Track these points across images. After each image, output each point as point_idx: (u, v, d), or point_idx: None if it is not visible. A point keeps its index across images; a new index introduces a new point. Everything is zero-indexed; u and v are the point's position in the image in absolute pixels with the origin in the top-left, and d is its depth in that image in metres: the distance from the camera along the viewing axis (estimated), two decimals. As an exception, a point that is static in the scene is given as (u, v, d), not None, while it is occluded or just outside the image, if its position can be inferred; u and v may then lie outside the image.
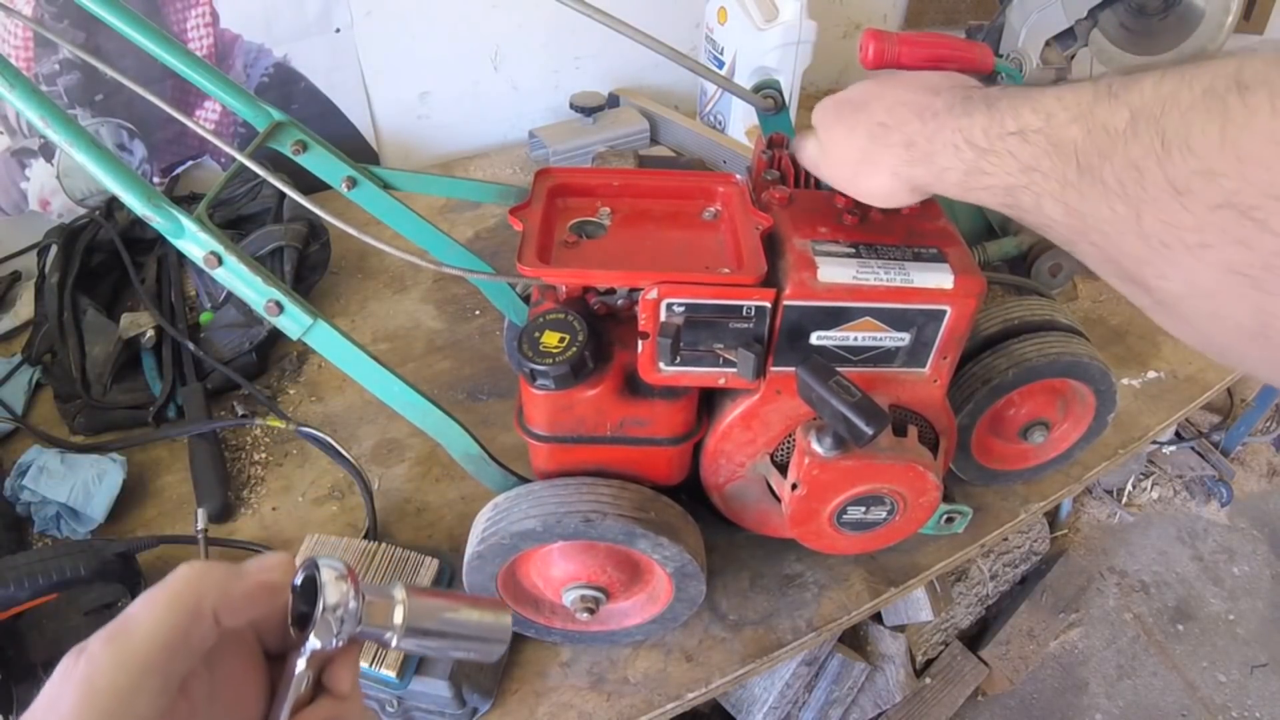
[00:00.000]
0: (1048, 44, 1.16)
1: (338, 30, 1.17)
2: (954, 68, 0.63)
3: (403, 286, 1.07)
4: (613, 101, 1.35)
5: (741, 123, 1.31)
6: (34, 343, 0.91)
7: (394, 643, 0.35)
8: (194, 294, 1.01)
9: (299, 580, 0.35)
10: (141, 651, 0.30)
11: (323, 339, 0.55)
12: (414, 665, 0.60)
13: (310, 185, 0.65)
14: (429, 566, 0.64)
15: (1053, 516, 1.89)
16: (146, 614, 0.30)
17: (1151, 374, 0.98)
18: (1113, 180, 0.32)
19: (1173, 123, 0.29)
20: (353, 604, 0.33)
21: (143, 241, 1.03)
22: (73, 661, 0.30)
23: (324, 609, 0.33)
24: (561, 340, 0.55)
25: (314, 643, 0.33)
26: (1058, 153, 0.35)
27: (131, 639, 0.30)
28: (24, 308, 0.99)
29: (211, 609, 0.31)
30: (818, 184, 0.62)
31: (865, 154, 0.49)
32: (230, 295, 0.94)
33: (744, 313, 0.54)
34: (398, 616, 0.35)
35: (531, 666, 0.67)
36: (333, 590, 0.33)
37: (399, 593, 0.35)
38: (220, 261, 0.52)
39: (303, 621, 0.34)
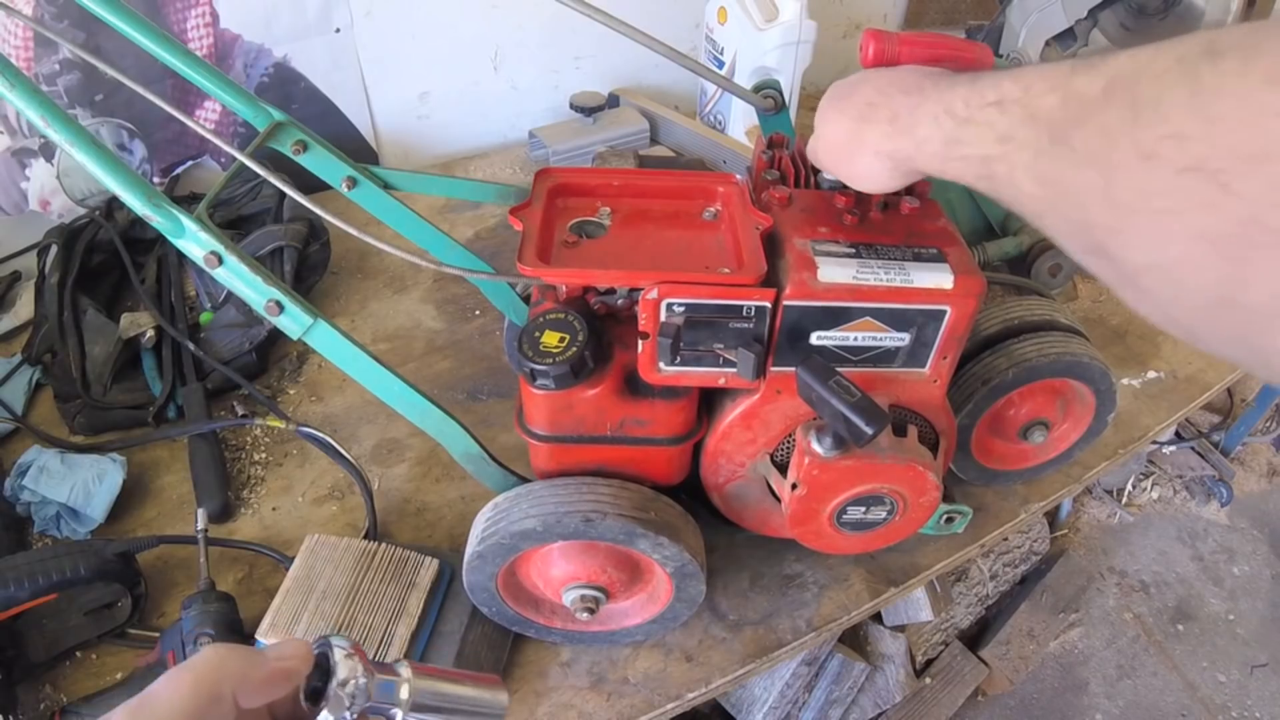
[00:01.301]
0: (1048, 44, 1.16)
1: (338, 30, 1.17)
2: (954, 68, 0.63)
3: (403, 286, 1.07)
4: (613, 101, 1.35)
5: (741, 123, 1.31)
6: (34, 343, 0.91)
7: (399, 717, 0.37)
8: (194, 294, 1.01)
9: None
10: None
11: (323, 339, 0.55)
12: (414, 665, 0.60)
13: (310, 185, 0.65)
14: (429, 567, 0.64)
15: (1053, 516, 1.89)
16: (169, 693, 0.32)
17: (1151, 374, 0.98)
18: (1083, 147, 0.32)
19: (1144, 89, 0.29)
20: (362, 680, 0.36)
21: (143, 241, 1.03)
22: None
23: (336, 685, 0.35)
24: (561, 340, 0.55)
25: (325, 717, 0.35)
26: (1033, 122, 0.35)
27: (154, 717, 0.32)
28: (24, 308, 0.99)
29: (231, 692, 0.33)
30: (817, 184, 0.62)
31: (853, 134, 0.50)
32: (230, 295, 0.94)
33: (744, 313, 0.54)
34: (404, 693, 0.37)
35: (531, 666, 0.67)
36: (344, 668, 0.36)
37: (404, 670, 0.38)
38: (220, 261, 0.52)
39: (315, 696, 0.36)
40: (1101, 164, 0.31)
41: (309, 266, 1.01)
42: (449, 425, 0.60)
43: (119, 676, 0.65)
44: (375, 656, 0.58)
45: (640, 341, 0.55)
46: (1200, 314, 0.29)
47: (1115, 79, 0.31)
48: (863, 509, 0.59)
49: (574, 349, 0.54)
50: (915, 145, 0.44)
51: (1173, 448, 2.05)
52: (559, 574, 0.62)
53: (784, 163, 0.63)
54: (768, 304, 0.53)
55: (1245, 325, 0.28)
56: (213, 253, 0.52)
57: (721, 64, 1.29)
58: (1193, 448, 2.05)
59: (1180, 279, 0.29)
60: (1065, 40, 1.17)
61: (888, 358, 0.57)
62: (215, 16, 1.08)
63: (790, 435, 0.61)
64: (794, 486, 0.57)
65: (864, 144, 0.49)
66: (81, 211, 1.06)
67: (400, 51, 1.23)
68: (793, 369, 0.55)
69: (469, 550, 0.60)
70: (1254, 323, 0.28)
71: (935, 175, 0.45)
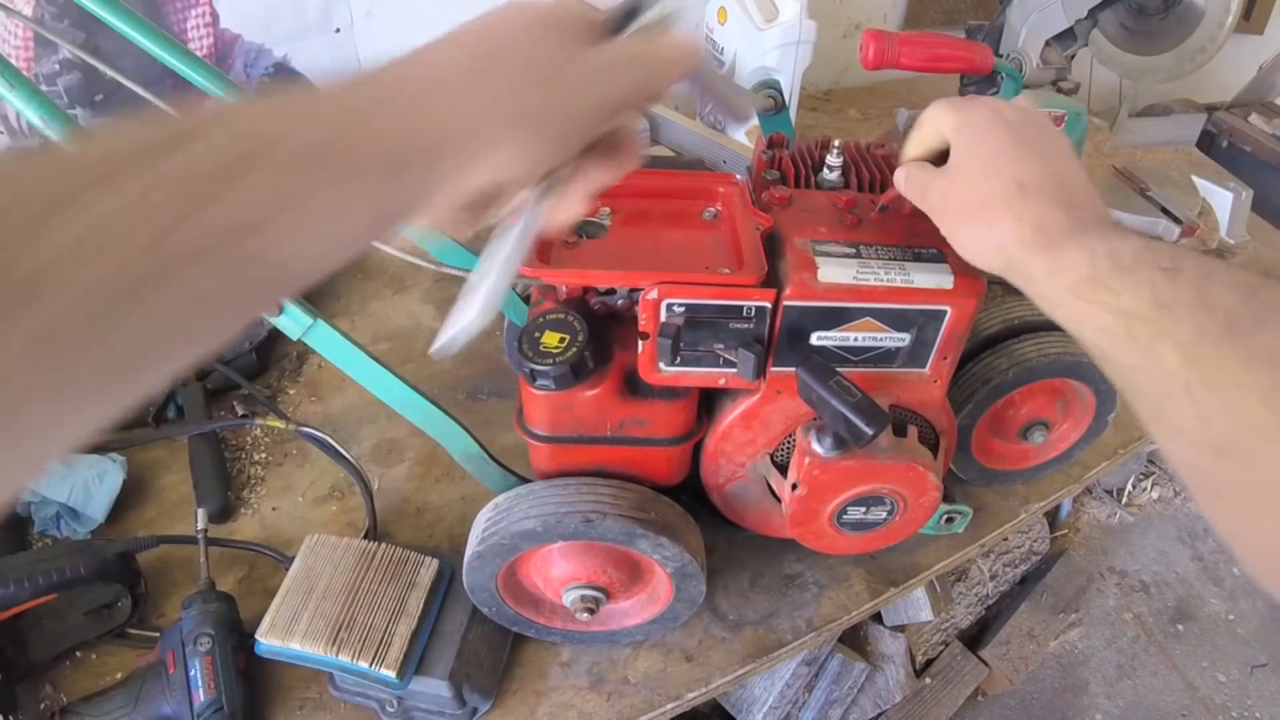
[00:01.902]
0: (1048, 44, 1.16)
1: (338, 30, 1.17)
2: (953, 68, 0.63)
3: (403, 286, 1.07)
4: (613, 101, 1.34)
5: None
6: (34, 343, 0.91)
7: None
8: (194, 294, 1.01)
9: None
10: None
11: (322, 339, 0.55)
12: (414, 665, 0.60)
13: (310, 185, 0.65)
14: (429, 567, 0.64)
15: (1053, 516, 1.88)
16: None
17: (1151, 374, 0.98)
18: (1261, 347, 0.30)
19: None
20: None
21: (143, 241, 1.03)
22: None
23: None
24: (561, 340, 0.55)
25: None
26: (1205, 306, 0.33)
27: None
28: (24, 308, 0.99)
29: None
30: (818, 184, 0.62)
31: (985, 207, 0.44)
32: (230, 295, 0.94)
33: (744, 313, 0.54)
34: None
35: (531, 666, 0.67)
36: None
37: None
38: (220, 261, 0.52)
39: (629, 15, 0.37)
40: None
41: (309, 266, 1.00)
42: (449, 425, 0.60)
43: (119, 676, 0.65)
44: (375, 657, 0.58)
45: (640, 342, 0.55)
46: None
47: None
48: (863, 509, 0.59)
49: (574, 349, 0.54)
50: (1047, 263, 0.41)
51: (1173, 448, 2.05)
52: (559, 574, 0.62)
53: (784, 163, 0.63)
54: (768, 304, 0.53)
55: None
56: (213, 253, 0.52)
57: (722, 64, 1.28)
58: (1193, 448, 2.04)
59: None
60: (1065, 40, 1.16)
61: (888, 358, 0.57)
62: (215, 16, 1.08)
63: (790, 435, 0.61)
64: (794, 487, 0.57)
65: (990, 223, 0.44)
66: (81, 211, 1.05)
67: (400, 51, 1.23)
68: (793, 369, 0.55)
69: (469, 551, 0.60)
70: None
71: (1042, 301, 0.42)
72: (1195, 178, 1.23)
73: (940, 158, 0.49)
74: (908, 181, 0.51)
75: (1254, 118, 1.58)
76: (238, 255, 0.23)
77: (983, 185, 0.45)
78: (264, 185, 0.24)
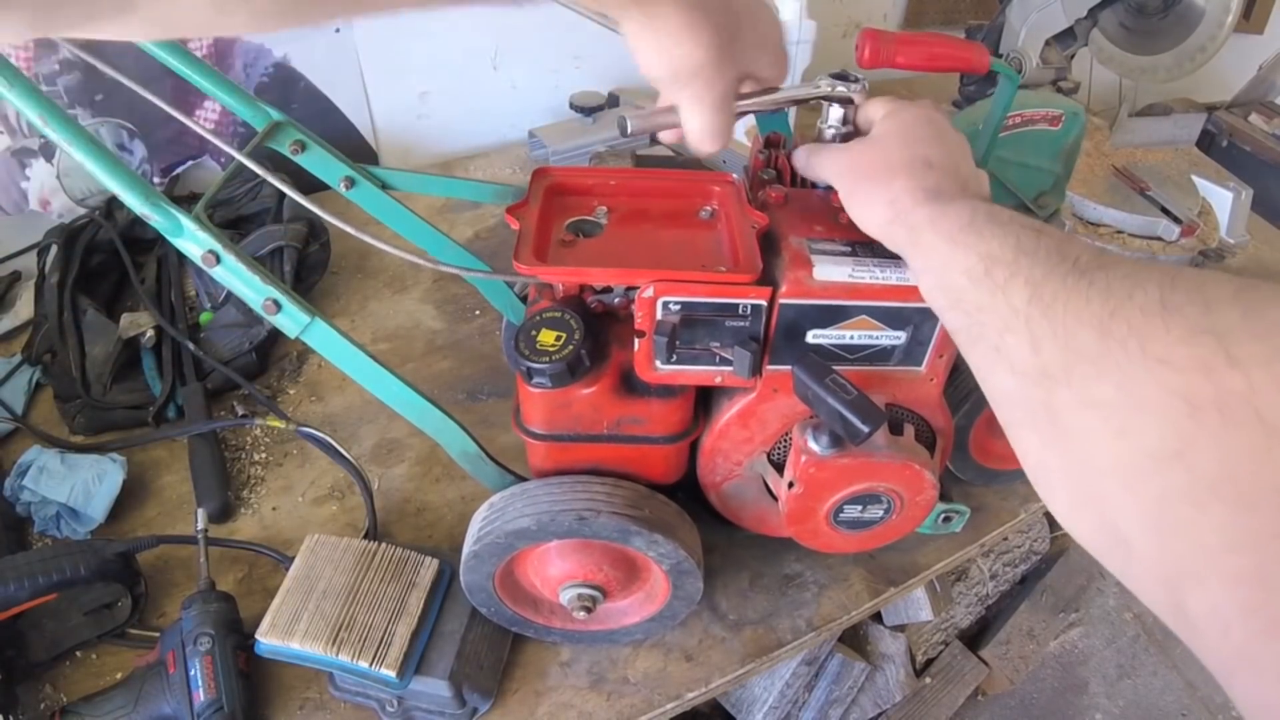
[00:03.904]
0: (1047, 44, 1.16)
1: (337, 30, 1.17)
2: (950, 67, 0.63)
3: (403, 286, 1.07)
4: (613, 101, 1.34)
5: (740, 122, 1.31)
6: (34, 343, 0.91)
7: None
8: (194, 294, 1.01)
9: None
10: None
11: (320, 337, 0.55)
12: (414, 665, 0.60)
13: (309, 185, 0.65)
14: (429, 566, 0.64)
15: (1052, 516, 1.88)
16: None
17: (1151, 373, 0.98)
18: (1102, 283, 0.33)
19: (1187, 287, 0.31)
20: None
21: (143, 241, 1.03)
22: None
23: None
24: (558, 339, 0.55)
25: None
26: (1059, 253, 0.37)
27: None
28: (24, 308, 0.99)
29: None
30: (814, 184, 0.62)
31: (891, 168, 0.49)
32: (230, 295, 0.95)
33: (740, 311, 0.54)
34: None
35: (531, 666, 0.67)
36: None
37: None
38: (218, 260, 0.52)
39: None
40: (1117, 297, 0.32)
41: (309, 266, 1.01)
42: (446, 425, 0.60)
43: (119, 676, 0.65)
44: (375, 657, 0.58)
45: (636, 340, 0.55)
46: (1129, 467, 0.30)
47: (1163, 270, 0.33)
48: (859, 507, 0.59)
49: (570, 347, 0.54)
50: (931, 213, 0.45)
51: (1174, 447, 2.05)
52: (556, 573, 0.62)
53: (780, 162, 0.63)
54: (764, 302, 0.53)
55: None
56: (210, 251, 0.52)
57: (721, 64, 1.28)
58: (1194, 447, 2.04)
59: (1128, 428, 0.30)
60: (1065, 40, 1.17)
61: (884, 356, 0.57)
62: (215, 17, 1.08)
63: (787, 434, 0.61)
64: (791, 485, 0.58)
65: (890, 181, 0.48)
66: (81, 211, 1.06)
67: (400, 51, 1.23)
68: (789, 367, 0.55)
69: (465, 550, 0.60)
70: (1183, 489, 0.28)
71: (916, 250, 0.45)
72: (1195, 177, 1.23)
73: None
74: (810, 155, 0.55)
75: (1254, 117, 1.58)
76: None
77: (894, 154, 0.49)
78: None
